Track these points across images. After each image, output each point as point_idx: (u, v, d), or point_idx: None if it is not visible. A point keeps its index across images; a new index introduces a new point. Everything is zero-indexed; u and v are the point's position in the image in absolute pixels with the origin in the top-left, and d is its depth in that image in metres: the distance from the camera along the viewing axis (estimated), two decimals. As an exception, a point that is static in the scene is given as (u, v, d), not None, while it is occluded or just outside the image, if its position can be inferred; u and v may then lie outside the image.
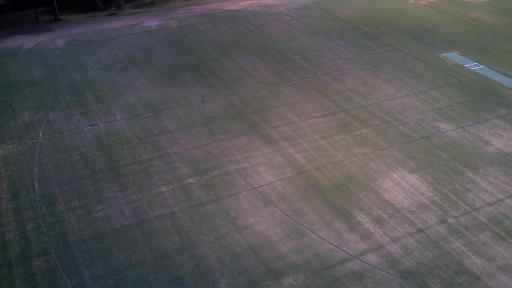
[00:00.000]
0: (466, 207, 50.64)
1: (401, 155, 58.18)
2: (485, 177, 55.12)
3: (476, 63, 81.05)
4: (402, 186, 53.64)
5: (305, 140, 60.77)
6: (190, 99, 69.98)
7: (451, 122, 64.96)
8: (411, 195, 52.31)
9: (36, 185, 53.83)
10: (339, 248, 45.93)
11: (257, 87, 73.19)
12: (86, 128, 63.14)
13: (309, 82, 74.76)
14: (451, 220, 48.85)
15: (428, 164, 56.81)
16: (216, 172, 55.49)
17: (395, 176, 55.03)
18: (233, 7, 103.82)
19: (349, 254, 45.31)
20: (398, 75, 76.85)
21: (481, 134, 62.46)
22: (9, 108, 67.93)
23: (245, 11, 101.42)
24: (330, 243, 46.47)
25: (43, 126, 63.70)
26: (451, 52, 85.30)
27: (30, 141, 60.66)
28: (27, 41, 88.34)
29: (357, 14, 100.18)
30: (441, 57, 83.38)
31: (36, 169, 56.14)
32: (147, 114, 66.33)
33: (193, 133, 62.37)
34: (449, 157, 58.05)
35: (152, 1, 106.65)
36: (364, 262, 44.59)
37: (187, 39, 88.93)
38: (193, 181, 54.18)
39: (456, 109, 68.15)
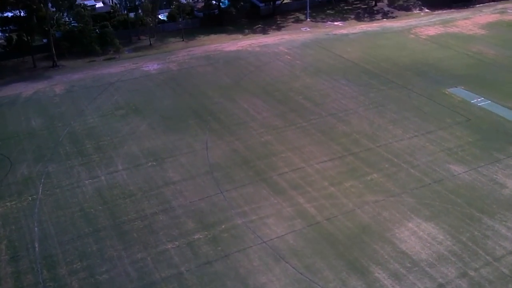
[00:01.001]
0: (487, 257, 48.34)
1: (415, 202, 56.08)
2: (504, 222, 52.96)
3: (482, 98, 79.72)
4: (418, 235, 51.38)
5: (314, 187, 58.73)
6: (194, 146, 68.16)
7: (462, 163, 63.10)
8: (429, 245, 50.05)
9: (36, 246, 51.45)
10: (358, 308, 43.54)
11: (261, 132, 71.50)
12: (87, 181, 61.06)
13: (314, 124, 73.13)
14: (472, 273, 46.47)
15: (443, 211, 54.68)
16: (223, 226, 53.23)
17: (410, 225, 52.82)
18: (233, 48, 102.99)
19: (368, 314, 42.93)
20: (404, 114, 75.33)
21: (495, 176, 60.52)
22: (7, 161, 65.91)
23: (245, 52, 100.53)
24: (348, 303, 44.11)
25: (42, 180, 61.63)
26: (456, 87, 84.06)
27: (30, 198, 58.50)
28: (26, 89, 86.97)
29: (358, 51, 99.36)
30: (446, 92, 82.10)
31: (36, 228, 53.81)
32: (150, 164, 64.40)
33: (197, 183, 60.34)
34: (464, 203, 55.94)
35: (150, 43, 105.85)
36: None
37: (188, 82, 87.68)
38: (200, 237, 51.89)
39: (466, 149, 66.36)
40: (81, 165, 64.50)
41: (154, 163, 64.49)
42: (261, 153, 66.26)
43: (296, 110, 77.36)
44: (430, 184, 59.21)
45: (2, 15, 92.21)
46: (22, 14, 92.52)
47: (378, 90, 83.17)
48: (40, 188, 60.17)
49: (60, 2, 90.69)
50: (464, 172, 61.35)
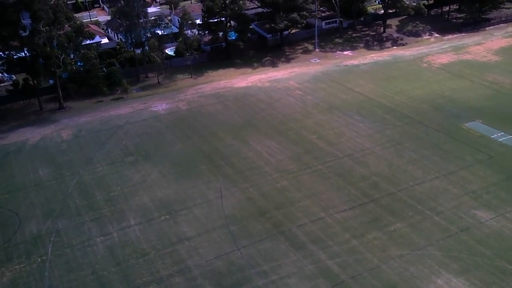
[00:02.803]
0: (525, 319, 45.56)
1: (442, 255, 53.24)
2: (539, 277, 50.16)
3: (502, 133, 77.06)
4: (449, 293, 48.67)
5: (335, 241, 56.04)
6: (207, 196, 65.73)
7: (489, 208, 60.29)
8: (461, 305, 47.32)
9: (47, 316, 49.15)
10: None
11: (276, 177, 69.04)
12: (98, 239, 58.65)
13: (331, 167, 70.64)
14: (511, 339, 43.68)
15: (472, 265, 51.83)
16: (243, 289, 50.73)
17: (439, 281, 49.96)
18: (242, 84, 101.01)
19: None
20: (423, 153, 72.74)
21: (524, 222, 57.77)
22: (15, 218, 63.67)
23: (255, 88, 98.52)
24: None
25: (52, 238, 59.24)
26: (474, 121, 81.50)
27: (39, 259, 56.06)
28: (32, 135, 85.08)
29: (371, 83, 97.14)
30: (464, 127, 79.56)
31: (47, 295, 51.51)
32: (163, 218, 61.94)
33: (213, 238, 57.77)
34: (493, 255, 53.02)
35: (159, 81, 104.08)
36: None
37: (198, 122, 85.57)
38: (219, 302, 49.41)
39: (491, 191, 63.60)
40: (92, 220, 62.15)
41: (167, 217, 62.02)
42: (277, 202, 63.74)
43: (311, 152, 74.97)
44: (456, 233, 56.39)
45: (7, 55, 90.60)
46: (27, 55, 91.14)
47: (394, 127, 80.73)
48: (50, 248, 57.75)
49: (66, 45, 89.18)
50: (491, 219, 58.52)
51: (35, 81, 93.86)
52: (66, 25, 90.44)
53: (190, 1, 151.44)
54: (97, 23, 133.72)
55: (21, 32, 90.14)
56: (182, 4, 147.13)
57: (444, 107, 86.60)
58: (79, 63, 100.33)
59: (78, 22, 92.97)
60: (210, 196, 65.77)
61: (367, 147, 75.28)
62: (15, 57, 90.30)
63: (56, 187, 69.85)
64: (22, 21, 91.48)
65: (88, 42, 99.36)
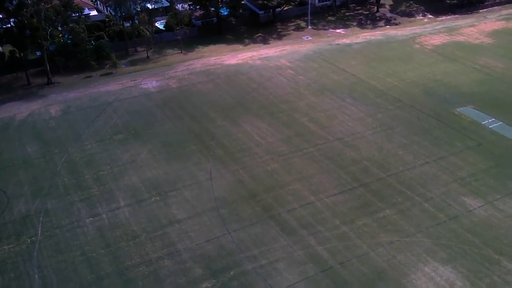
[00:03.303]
0: (510, 309, 46.43)
1: (431, 243, 53.80)
2: (524, 266, 51.00)
3: (493, 119, 77.27)
4: (436, 281, 49.17)
5: (325, 226, 56.33)
6: (197, 177, 65.48)
7: (477, 196, 60.80)
8: (448, 294, 48.03)
9: (36, 297, 49.09)
10: None
11: (266, 159, 68.88)
12: (87, 220, 58.34)
13: (321, 150, 70.59)
14: (496, 328, 44.56)
15: (460, 253, 52.46)
16: (232, 273, 50.79)
17: (426, 269, 50.59)
18: (233, 61, 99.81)
19: None
20: (413, 138, 72.85)
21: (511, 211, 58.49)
22: (3, 196, 63.01)
23: (246, 66, 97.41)
24: None
25: (41, 218, 58.79)
26: (465, 106, 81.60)
27: (29, 240, 55.69)
28: (20, 110, 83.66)
29: (362, 64, 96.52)
30: (455, 113, 79.64)
31: (36, 276, 51.25)
32: (153, 199, 61.68)
33: (203, 221, 57.76)
34: (481, 243, 53.69)
35: (148, 56, 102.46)
36: None
37: (188, 102, 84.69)
38: (208, 285, 49.43)
39: (480, 179, 64.06)
40: (81, 200, 61.70)
41: (157, 198, 61.79)
42: (267, 185, 63.71)
43: (302, 134, 74.70)
44: (445, 221, 56.90)
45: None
46: (13, 27, 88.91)
47: (386, 110, 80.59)
48: (39, 229, 57.39)
49: (54, 18, 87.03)
50: (479, 207, 59.07)
51: (22, 54, 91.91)
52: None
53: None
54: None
55: (7, 4, 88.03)
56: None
57: (436, 91, 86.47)
58: (67, 36, 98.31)
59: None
60: (200, 177, 65.53)
61: (358, 131, 75.19)
62: (1, 29, 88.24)
63: (44, 165, 69.09)
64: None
65: (76, 14, 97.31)
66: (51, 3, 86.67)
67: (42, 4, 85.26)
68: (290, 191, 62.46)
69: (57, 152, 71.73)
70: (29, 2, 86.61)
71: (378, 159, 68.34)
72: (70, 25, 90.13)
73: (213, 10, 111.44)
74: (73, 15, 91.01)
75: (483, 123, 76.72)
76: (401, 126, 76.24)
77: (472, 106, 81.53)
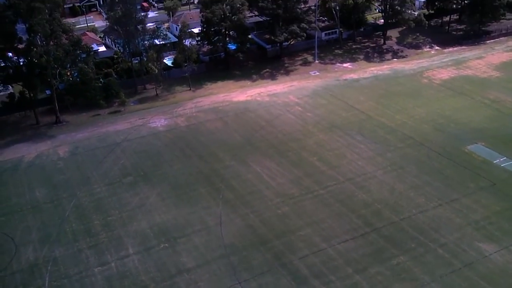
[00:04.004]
0: None
1: (446, 293, 52.70)
2: (544, 318, 49.61)
3: (505, 157, 76.27)
4: (453, 335, 47.98)
5: (337, 276, 55.15)
6: (207, 222, 64.68)
7: (492, 241, 59.59)
8: None
9: None
10: None
11: (277, 202, 68.08)
12: (96, 270, 57.50)
13: (332, 192, 69.75)
14: None
15: (477, 304, 51.33)
16: (244, 327, 49.88)
17: (443, 322, 49.46)
18: (242, 98, 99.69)
19: None
20: (425, 179, 71.92)
21: (529, 257, 57.19)
22: (11, 243, 62.45)
23: (254, 103, 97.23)
24: None
25: (49, 268, 58.05)
26: (476, 143, 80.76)
27: (36, 291, 55.18)
28: (28, 151, 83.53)
29: (371, 100, 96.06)
30: (466, 151, 78.75)
31: (43, 331, 50.46)
32: (162, 246, 60.84)
33: (213, 270, 56.73)
34: (499, 293, 52.60)
35: (157, 93, 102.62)
36: None
37: (197, 141, 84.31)
38: None
39: (494, 222, 62.91)
40: (89, 247, 61.01)
41: (166, 245, 60.98)
42: (278, 230, 62.82)
43: (312, 175, 74.00)
44: (460, 268, 55.69)
45: (2, 66, 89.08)
46: (23, 67, 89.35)
47: (396, 149, 79.84)
48: (47, 278, 56.64)
49: (63, 57, 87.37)
50: (495, 252, 57.89)
51: (32, 94, 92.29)
52: (64, 38, 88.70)
53: (188, 8, 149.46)
54: (94, 29, 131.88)
55: (17, 43, 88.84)
56: (180, 8, 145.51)
57: (446, 128, 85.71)
58: (75, 74, 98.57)
59: (76, 36, 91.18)
60: (209, 222, 64.77)
61: (368, 171, 74.42)
62: (11, 69, 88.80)
63: (53, 209, 68.62)
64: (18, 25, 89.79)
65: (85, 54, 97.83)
66: (60, 43, 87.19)
67: (52, 44, 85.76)
68: (301, 237, 61.52)
69: (65, 196, 71.30)
70: (39, 41, 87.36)
71: (390, 202, 67.41)
72: (79, 65, 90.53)
73: (221, 45, 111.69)
74: (82, 55, 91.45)
75: (495, 162, 75.75)
76: (412, 166, 75.42)
77: (483, 144, 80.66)
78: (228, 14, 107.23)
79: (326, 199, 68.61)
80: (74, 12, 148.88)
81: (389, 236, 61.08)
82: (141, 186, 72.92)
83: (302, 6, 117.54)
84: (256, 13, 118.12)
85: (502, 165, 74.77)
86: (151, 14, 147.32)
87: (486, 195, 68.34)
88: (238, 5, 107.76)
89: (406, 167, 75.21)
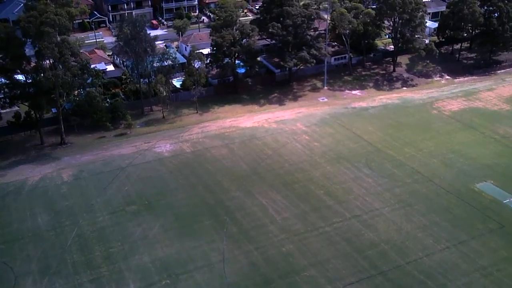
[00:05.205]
0: None
1: None
2: None
3: (514, 198, 75.35)
4: None
5: (342, 323, 54.13)
6: (210, 258, 63.51)
7: (501, 289, 58.44)
8: None
9: None
10: None
11: (281, 239, 66.92)
12: (96, 307, 56.70)
13: (338, 230, 68.55)
14: None
15: None
16: None
17: None
18: (249, 124, 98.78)
19: None
20: (433, 218, 70.66)
21: (538, 309, 55.84)
22: (10, 274, 61.47)
23: (261, 130, 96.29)
24: None
25: (48, 302, 57.31)
26: (485, 181, 79.50)
27: (34, 328, 54.14)
28: (32, 173, 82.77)
29: (379, 131, 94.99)
30: (475, 189, 77.50)
31: None
32: (163, 282, 59.72)
33: (215, 312, 55.81)
34: None
35: (163, 116, 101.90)
36: None
37: (202, 168, 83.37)
38: None
39: (502, 269, 61.55)
40: (90, 281, 59.98)
41: (168, 281, 59.89)
42: (282, 270, 61.62)
43: (318, 209, 72.90)
44: (468, 318, 54.60)
45: (10, 88, 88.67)
46: (30, 89, 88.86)
47: (404, 184, 78.65)
48: (45, 314, 55.84)
49: (70, 81, 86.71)
50: (504, 302, 56.77)
51: (37, 114, 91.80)
52: (72, 60, 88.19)
53: (198, 27, 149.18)
54: (103, 46, 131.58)
55: (25, 65, 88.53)
56: (190, 27, 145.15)
57: (455, 163, 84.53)
58: (82, 94, 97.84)
59: (85, 60, 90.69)
60: (212, 259, 63.63)
61: (375, 207, 73.25)
62: (18, 90, 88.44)
63: (54, 238, 67.70)
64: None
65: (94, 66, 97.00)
66: (68, 66, 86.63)
67: (60, 68, 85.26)
68: (305, 278, 60.32)
69: (68, 224, 70.37)
70: (47, 64, 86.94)
71: (397, 242, 66.15)
72: (87, 89, 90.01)
73: (230, 70, 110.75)
74: (90, 79, 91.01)
75: (504, 202, 74.52)
76: (419, 203, 74.20)
77: (492, 182, 79.40)
78: (237, 39, 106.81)
79: (332, 236, 67.48)
80: (84, 27, 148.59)
81: (395, 280, 59.81)
82: (145, 216, 71.96)
83: (312, 32, 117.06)
84: (266, 38, 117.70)
85: (511, 206, 73.54)
86: (160, 32, 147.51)
87: (495, 238, 67.09)
88: (248, 30, 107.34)
89: (414, 204, 74.04)
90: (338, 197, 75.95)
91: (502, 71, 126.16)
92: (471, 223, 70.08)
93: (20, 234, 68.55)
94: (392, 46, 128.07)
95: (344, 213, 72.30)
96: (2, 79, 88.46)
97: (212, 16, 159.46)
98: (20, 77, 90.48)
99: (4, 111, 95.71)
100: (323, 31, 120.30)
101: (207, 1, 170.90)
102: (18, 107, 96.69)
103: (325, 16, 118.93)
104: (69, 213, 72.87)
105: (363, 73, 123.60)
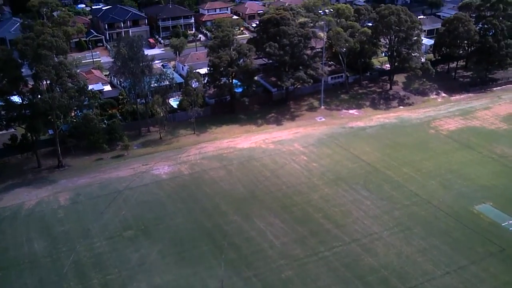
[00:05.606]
0: None
1: None
2: None
3: (513, 220, 75.11)
4: None
5: None
6: (208, 285, 62.68)
7: (502, 316, 58.01)
8: None
9: None
10: None
11: (280, 264, 66.30)
12: (93, 339, 55.91)
13: (338, 255, 68.01)
14: None
15: None
16: None
17: None
18: (246, 145, 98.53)
19: None
20: (432, 242, 70.25)
21: (540, 336, 55.34)
22: (6, 304, 60.98)
23: (259, 150, 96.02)
24: None
25: (44, 333, 56.49)
26: (484, 203, 79.27)
27: None
28: (29, 197, 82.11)
29: (377, 151, 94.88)
30: (474, 211, 77.23)
31: None
32: (162, 312, 59.28)
33: None
34: None
35: (161, 137, 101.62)
36: None
37: (200, 191, 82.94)
38: None
39: (504, 294, 61.38)
40: (87, 312, 59.46)
41: (166, 311, 59.41)
42: (282, 298, 61.21)
43: (317, 234, 72.43)
44: None
45: (6, 110, 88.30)
46: (27, 111, 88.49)
47: (402, 207, 78.36)
48: None
49: (67, 103, 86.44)
50: (505, 330, 56.29)
51: (34, 136, 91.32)
52: (69, 82, 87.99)
53: (195, 45, 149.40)
54: (100, 66, 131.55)
55: (22, 87, 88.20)
56: (187, 46, 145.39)
57: (453, 184, 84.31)
58: (79, 115, 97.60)
59: (82, 82, 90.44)
60: (211, 285, 62.92)
61: (375, 231, 72.84)
62: (15, 113, 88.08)
63: (51, 265, 66.92)
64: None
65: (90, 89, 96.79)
66: (65, 88, 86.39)
67: (57, 91, 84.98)
68: (305, 305, 59.87)
69: (64, 250, 69.66)
70: (44, 87, 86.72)
71: (397, 267, 65.65)
72: (84, 111, 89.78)
73: (226, 87, 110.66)
74: (87, 100, 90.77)
75: (503, 224, 74.27)
76: (419, 226, 73.84)
77: (491, 203, 79.18)
78: (235, 59, 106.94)
79: (332, 262, 66.94)
80: (81, 46, 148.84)
81: (396, 307, 59.43)
82: (142, 241, 71.30)
83: (309, 51, 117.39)
84: (263, 58, 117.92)
85: (510, 229, 73.24)
86: (157, 51, 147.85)
87: (495, 262, 66.69)
88: (245, 50, 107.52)
89: (413, 227, 73.68)
90: (337, 220, 75.56)
91: (498, 88, 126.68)
92: (471, 246, 69.74)
93: (16, 261, 67.78)
94: (389, 65, 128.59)
95: (343, 237, 71.88)
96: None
97: (209, 34, 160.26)
98: (16, 98, 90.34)
99: (1, 132, 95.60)
100: (319, 49, 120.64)
101: (203, 19, 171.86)
102: (15, 129, 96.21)
103: (322, 35, 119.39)
104: (66, 238, 72.22)
105: (360, 91, 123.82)
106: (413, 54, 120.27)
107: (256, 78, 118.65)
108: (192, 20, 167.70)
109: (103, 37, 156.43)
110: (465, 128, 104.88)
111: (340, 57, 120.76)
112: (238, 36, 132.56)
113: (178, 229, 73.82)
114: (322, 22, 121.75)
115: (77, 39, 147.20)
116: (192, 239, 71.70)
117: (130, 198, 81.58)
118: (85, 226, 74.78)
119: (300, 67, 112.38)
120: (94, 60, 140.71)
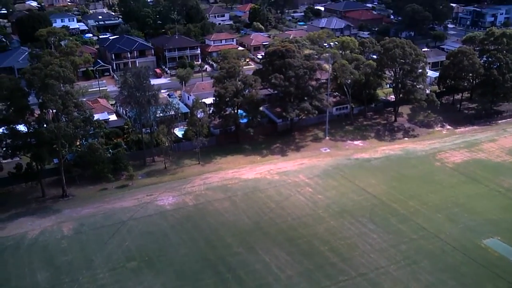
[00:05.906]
0: None
1: None
2: None
3: (523, 255, 74.02)
4: None
5: None
6: (213, 323, 62.06)
7: None
8: None
9: None
10: None
11: (286, 299, 65.53)
12: None
13: (344, 290, 67.18)
14: None
15: None
16: None
17: None
18: (251, 175, 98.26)
19: None
20: (440, 277, 69.11)
21: None
22: (7, 338, 59.96)
23: (264, 182, 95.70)
24: None
25: None
26: (492, 238, 78.32)
27: None
28: (32, 227, 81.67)
29: (383, 184, 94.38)
30: (482, 246, 76.23)
31: None
32: None
33: None
34: None
35: (165, 167, 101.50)
36: None
37: (204, 222, 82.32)
38: None
39: (514, 334, 60.09)
40: None
41: None
42: (287, 333, 60.07)
43: (323, 267, 71.46)
44: None
45: (12, 139, 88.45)
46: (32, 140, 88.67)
47: (409, 240, 77.44)
48: None
49: (72, 133, 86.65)
50: None
51: (39, 165, 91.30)
52: (75, 112, 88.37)
53: (201, 75, 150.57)
54: (106, 95, 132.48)
55: (28, 116, 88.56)
56: (193, 76, 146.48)
57: (460, 218, 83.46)
58: (84, 144, 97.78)
59: (88, 111, 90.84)
60: (216, 323, 62.12)
61: (381, 265, 71.83)
62: (20, 141, 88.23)
63: (53, 298, 66.33)
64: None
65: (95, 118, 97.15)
66: (71, 118, 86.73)
67: (63, 121, 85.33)
68: None
69: (67, 281, 68.88)
70: (50, 116, 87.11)
71: (404, 304, 64.71)
72: (89, 140, 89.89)
73: (231, 117, 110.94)
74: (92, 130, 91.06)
75: (511, 259, 73.34)
76: (426, 261, 72.82)
77: (498, 238, 78.23)
78: (240, 89, 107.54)
79: (338, 298, 66.05)
80: (87, 75, 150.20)
81: None
82: (145, 273, 70.44)
83: (314, 82, 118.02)
84: (269, 88, 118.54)
85: (519, 264, 72.38)
86: (163, 81, 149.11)
87: (505, 301, 65.71)
88: (251, 81, 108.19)
89: (420, 262, 72.64)
90: (342, 254, 74.63)
91: (503, 121, 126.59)
92: (479, 281, 68.62)
93: (18, 292, 67.28)
94: (393, 96, 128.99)
95: (349, 271, 70.86)
96: (3, 129, 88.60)
97: (215, 65, 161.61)
98: (22, 127, 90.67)
99: (5, 161, 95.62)
100: (324, 80, 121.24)
101: (209, 50, 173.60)
102: (20, 158, 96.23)
103: (327, 67, 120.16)
104: (69, 269, 71.45)
105: (365, 123, 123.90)
106: (418, 86, 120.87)
107: (261, 108, 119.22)
108: (198, 51, 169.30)
109: (110, 67, 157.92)
110: (471, 161, 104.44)
111: (345, 89, 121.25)
112: (244, 67, 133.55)
113: (182, 261, 72.98)
114: (327, 54, 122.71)
115: (84, 69, 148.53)
116: (196, 271, 70.80)
117: (134, 228, 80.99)
118: (89, 257, 74.08)
119: (305, 98, 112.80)
120: (101, 89, 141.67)
